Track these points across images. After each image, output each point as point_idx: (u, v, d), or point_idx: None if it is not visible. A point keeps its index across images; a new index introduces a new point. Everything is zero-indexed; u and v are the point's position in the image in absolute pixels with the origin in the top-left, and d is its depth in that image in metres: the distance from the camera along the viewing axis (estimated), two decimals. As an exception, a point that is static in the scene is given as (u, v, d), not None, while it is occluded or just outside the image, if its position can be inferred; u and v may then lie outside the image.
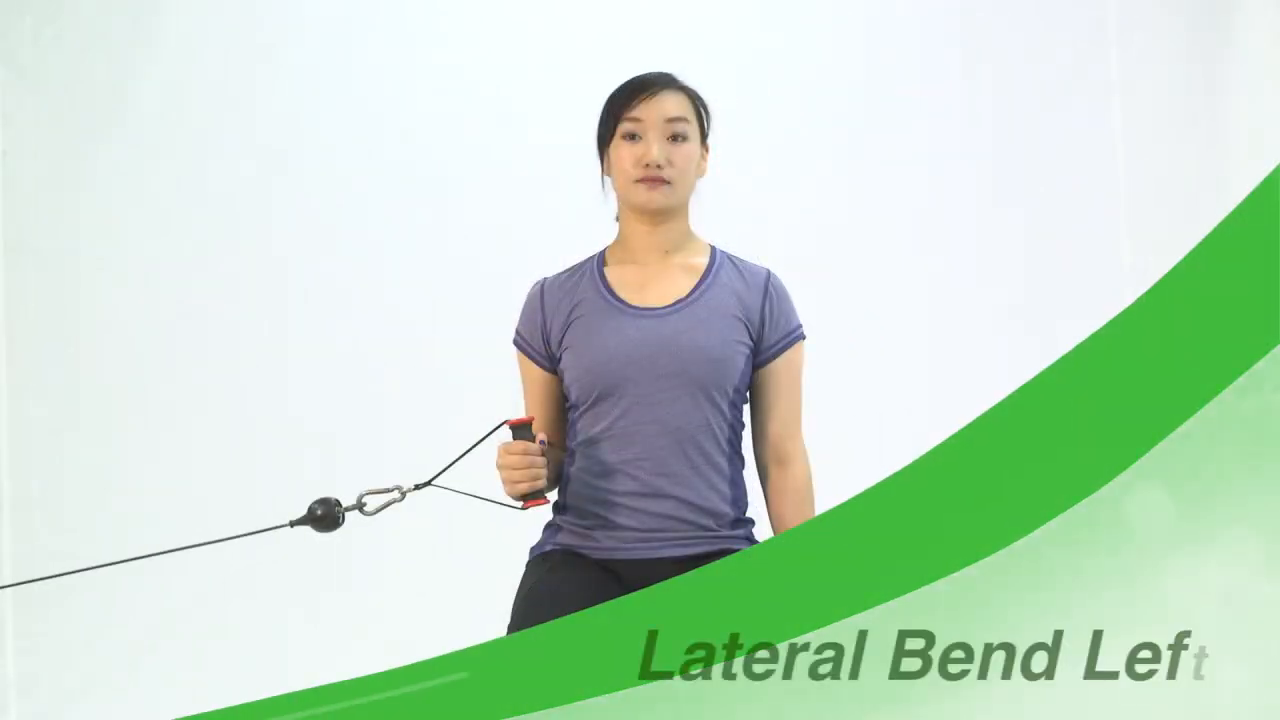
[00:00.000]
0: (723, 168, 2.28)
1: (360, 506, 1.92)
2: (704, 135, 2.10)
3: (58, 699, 3.36)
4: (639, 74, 2.07)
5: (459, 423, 2.13)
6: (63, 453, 3.48)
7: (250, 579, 3.49)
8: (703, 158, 2.10)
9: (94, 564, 2.07)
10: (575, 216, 3.59)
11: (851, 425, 3.55)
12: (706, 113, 2.11)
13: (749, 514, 2.10)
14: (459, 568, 3.51)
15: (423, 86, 3.70)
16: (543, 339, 2.09)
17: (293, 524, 1.92)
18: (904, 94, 3.92)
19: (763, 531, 2.09)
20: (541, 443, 1.92)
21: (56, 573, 2.06)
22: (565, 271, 2.14)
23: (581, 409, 2.04)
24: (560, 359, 2.07)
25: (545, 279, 2.14)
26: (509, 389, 2.23)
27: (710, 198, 2.23)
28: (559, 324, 2.07)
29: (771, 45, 3.85)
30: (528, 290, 2.15)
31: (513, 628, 1.88)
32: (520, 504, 1.94)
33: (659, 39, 3.75)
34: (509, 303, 2.32)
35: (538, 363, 2.10)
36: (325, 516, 1.90)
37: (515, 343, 2.14)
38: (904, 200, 3.90)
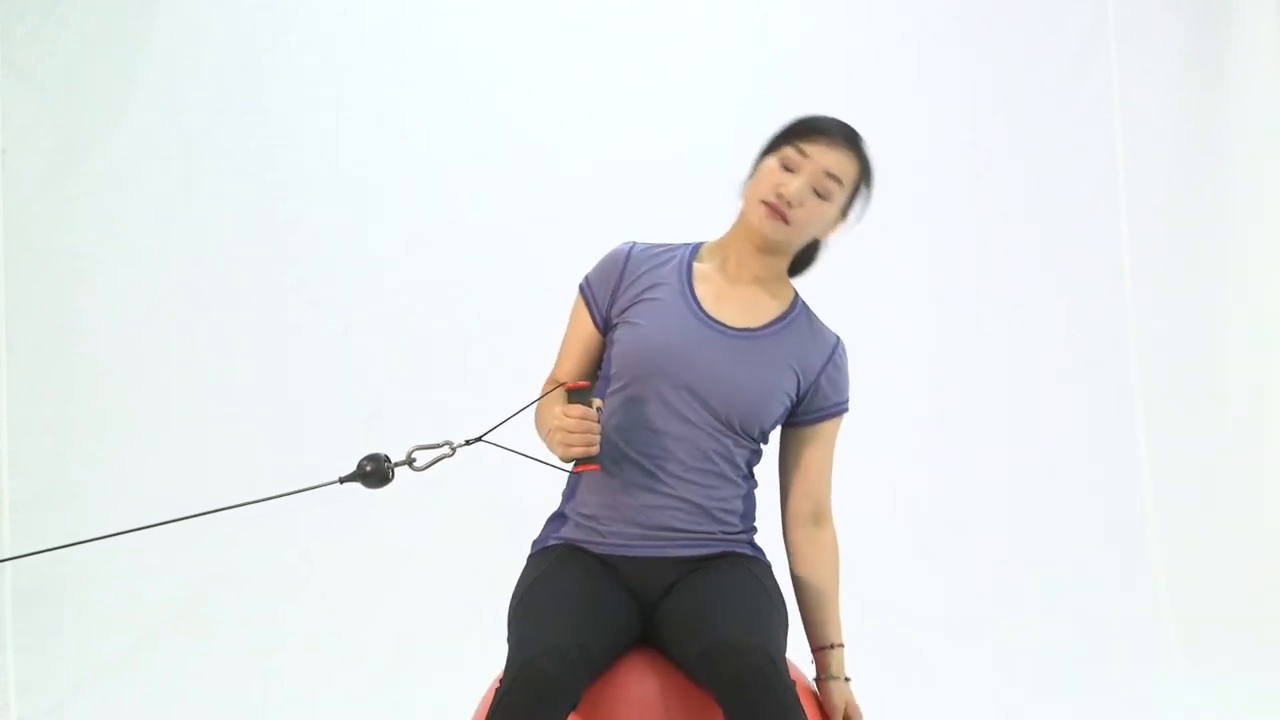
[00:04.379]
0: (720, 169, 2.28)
1: (410, 462, 1.90)
2: (848, 206, 2.07)
3: (58, 699, 3.36)
4: (835, 118, 2.04)
5: (495, 383, 2.10)
6: (63, 452, 3.48)
7: (250, 580, 3.50)
8: (835, 224, 2.08)
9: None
10: (588, 194, 3.63)
11: (850, 420, 3.54)
12: (867, 189, 2.08)
13: (754, 525, 2.10)
14: (479, 543, 3.50)
15: (422, 81, 3.70)
16: (610, 298, 2.06)
17: (342, 480, 1.87)
18: (904, 94, 3.92)
19: (764, 538, 2.09)
20: (598, 408, 1.91)
21: (63, 544, 2.03)
22: (659, 245, 2.11)
23: (615, 386, 2.02)
24: (616, 327, 2.05)
25: (636, 243, 2.10)
26: (549, 350, 2.21)
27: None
28: (632, 294, 2.05)
29: (770, 48, 3.85)
30: (615, 245, 2.10)
31: (511, 624, 1.86)
32: (570, 466, 1.92)
33: (659, 38, 3.76)
34: (550, 269, 2.27)
35: (594, 316, 2.07)
36: (375, 472, 1.86)
37: (581, 287, 2.10)
38: (903, 201, 3.89)
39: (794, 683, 1.77)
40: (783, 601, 1.98)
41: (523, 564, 2.07)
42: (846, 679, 2.05)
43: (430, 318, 3.64)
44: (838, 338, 2.11)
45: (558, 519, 2.08)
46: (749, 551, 2.03)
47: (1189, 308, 3.99)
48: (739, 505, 2.03)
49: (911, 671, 3.55)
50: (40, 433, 3.46)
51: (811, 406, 2.07)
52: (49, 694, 3.37)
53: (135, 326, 3.53)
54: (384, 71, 3.69)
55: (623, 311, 2.04)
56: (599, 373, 2.09)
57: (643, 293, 2.04)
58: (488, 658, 2.06)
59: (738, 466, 2.02)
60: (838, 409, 2.09)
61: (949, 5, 3.96)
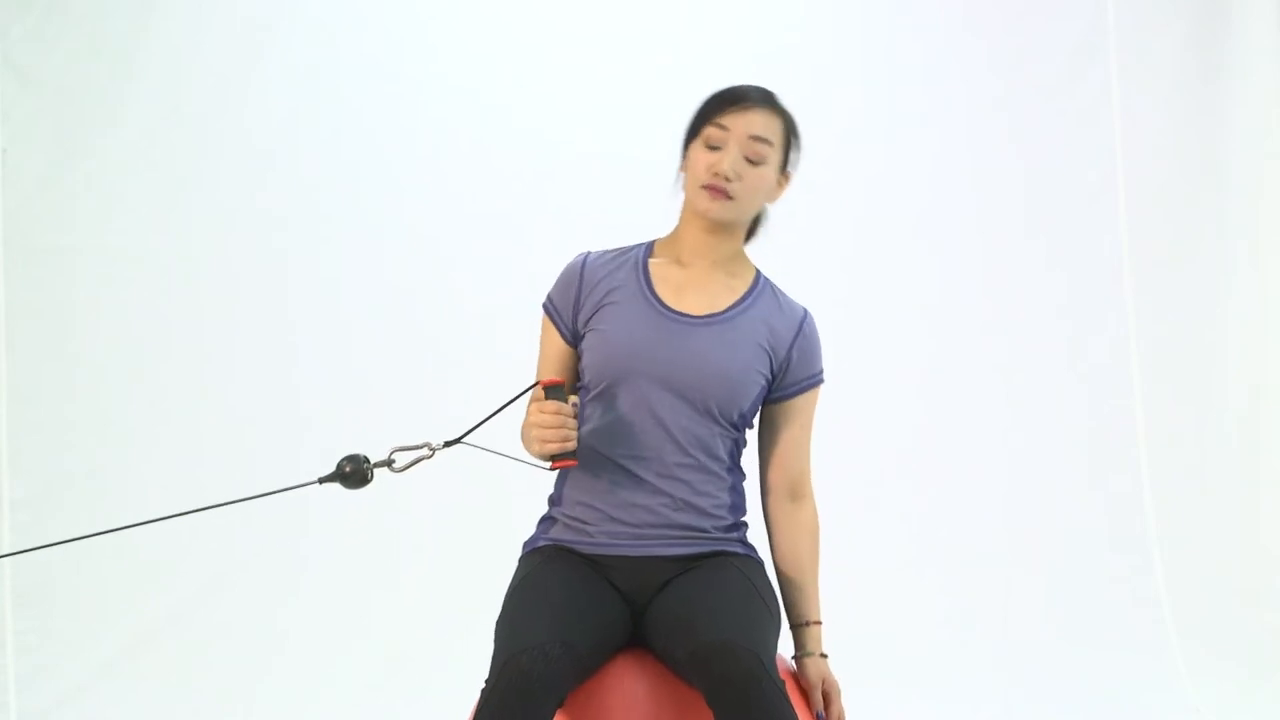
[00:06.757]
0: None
1: (389, 463, 1.90)
2: (785, 163, 2.06)
3: (58, 698, 3.36)
4: (741, 84, 2.04)
5: (485, 385, 2.11)
6: (63, 452, 3.48)
7: (251, 579, 3.50)
8: (779, 184, 2.06)
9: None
10: (579, 191, 3.63)
11: (850, 421, 3.55)
12: (795, 140, 2.07)
13: (744, 519, 2.10)
14: (463, 544, 3.51)
15: (423, 80, 3.70)
16: (573, 311, 2.06)
17: (321, 480, 1.89)
18: (904, 93, 3.92)
19: (755, 535, 2.08)
20: (574, 404, 1.91)
21: (61, 539, 2.03)
22: (612, 251, 2.11)
23: (593, 392, 2.02)
24: (584, 338, 2.05)
25: (589, 253, 2.10)
26: (531, 352, 2.21)
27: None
28: (592, 302, 2.04)
29: (770, 47, 3.84)
30: (569, 259, 2.10)
31: (500, 621, 1.86)
32: (548, 464, 1.92)
33: (658, 37, 3.76)
34: (532, 268, 2.29)
35: (561, 332, 2.08)
36: (354, 473, 1.87)
37: (544, 306, 2.10)
38: (903, 199, 3.89)
39: (784, 682, 1.76)
40: (775, 601, 1.98)
41: (514, 563, 2.07)
42: (823, 655, 2.03)
43: (430, 317, 3.64)
44: (805, 310, 2.09)
45: (547, 520, 2.08)
46: (741, 550, 2.03)
47: (1189, 307, 3.99)
48: (726, 498, 2.03)
49: (911, 671, 3.55)
50: (40, 433, 3.46)
51: (785, 381, 2.05)
52: (49, 694, 3.37)
53: (135, 326, 3.53)
54: (384, 71, 3.69)
55: (587, 321, 2.05)
56: (577, 384, 2.09)
57: (603, 299, 2.04)
58: (485, 658, 2.06)
59: (720, 458, 2.02)
60: (811, 381, 2.08)
61: (949, 5, 3.96)
